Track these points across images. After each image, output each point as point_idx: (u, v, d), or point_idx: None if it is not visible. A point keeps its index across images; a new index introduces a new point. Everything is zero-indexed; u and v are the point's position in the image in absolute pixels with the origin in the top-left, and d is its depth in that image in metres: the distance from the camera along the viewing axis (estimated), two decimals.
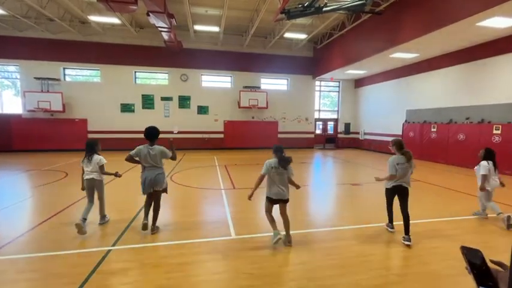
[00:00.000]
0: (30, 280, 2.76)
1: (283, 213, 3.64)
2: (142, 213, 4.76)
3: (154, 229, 3.96)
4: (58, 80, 13.86)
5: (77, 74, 14.87)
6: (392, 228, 4.05)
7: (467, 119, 10.33)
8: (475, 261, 0.79)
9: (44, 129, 13.73)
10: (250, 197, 3.51)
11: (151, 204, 4.03)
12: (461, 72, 10.67)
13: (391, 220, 4.08)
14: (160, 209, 4.16)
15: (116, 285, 2.68)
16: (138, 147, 3.90)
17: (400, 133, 13.54)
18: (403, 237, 3.65)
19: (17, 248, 3.46)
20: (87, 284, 2.68)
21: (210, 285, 2.70)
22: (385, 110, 15.04)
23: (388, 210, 4.05)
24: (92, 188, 4.14)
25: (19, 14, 11.29)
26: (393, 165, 3.79)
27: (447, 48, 10.55)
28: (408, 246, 3.54)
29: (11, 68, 14.11)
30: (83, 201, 5.15)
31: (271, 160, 3.61)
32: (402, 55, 11.34)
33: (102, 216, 4.32)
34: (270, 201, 3.60)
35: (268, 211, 3.65)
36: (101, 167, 4.12)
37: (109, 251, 3.38)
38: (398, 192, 3.83)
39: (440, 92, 11.60)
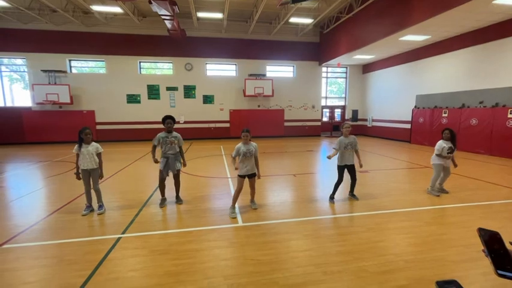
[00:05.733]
0: (44, 266, 2.86)
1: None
2: (150, 202, 4.87)
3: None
4: (65, 72, 13.95)
5: (83, 65, 14.91)
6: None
7: (480, 103, 9.97)
8: (492, 244, 0.74)
9: (54, 121, 13.96)
10: None
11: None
12: (474, 54, 10.22)
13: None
14: (168, 197, 4.75)
15: (126, 271, 2.75)
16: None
17: (410, 119, 13.23)
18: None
19: (31, 236, 3.58)
20: (98, 270, 2.76)
21: (218, 271, 2.74)
22: (394, 95, 14.65)
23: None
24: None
25: (22, 6, 11.27)
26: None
27: (461, 29, 10.07)
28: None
29: (19, 61, 14.25)
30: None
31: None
32: (413, 37, 10.90)
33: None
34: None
35: None
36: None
37: (119, 238, 3.46)
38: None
39: (452, 76, 11.18)
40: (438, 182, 5.22)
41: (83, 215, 4.21)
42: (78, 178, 4.29)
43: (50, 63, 13.71)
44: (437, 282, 0.78)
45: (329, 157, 4.76)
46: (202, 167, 8.02)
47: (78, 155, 4.25)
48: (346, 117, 17.96)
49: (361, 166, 4.83)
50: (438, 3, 8.12)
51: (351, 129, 4.68)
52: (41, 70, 13.55)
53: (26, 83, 14.29)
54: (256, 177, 4.32)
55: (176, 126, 16.78)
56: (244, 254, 3.06)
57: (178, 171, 4.67)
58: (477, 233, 0.79)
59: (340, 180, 4.77)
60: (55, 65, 13.78)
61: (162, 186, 4.63)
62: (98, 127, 14.53)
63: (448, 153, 4.92)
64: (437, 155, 5.06)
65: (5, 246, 3.30)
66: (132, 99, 14.83)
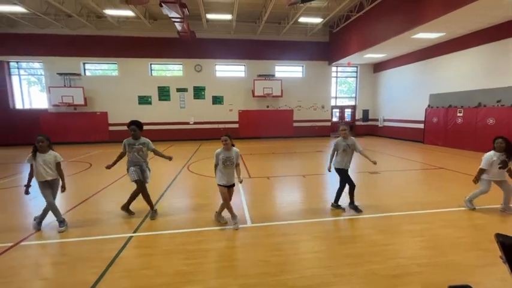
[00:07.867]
0: (60, 263, 2.95)
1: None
2: (162, 201, 4.93)
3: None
4: (79, 75, 14.38)
5: (96, 68, 15.32)
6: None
7: (498, 101, 9.62)
8: (511, 251, 0.72)
9: (69, 123, 14.41)
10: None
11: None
12: (491, 52, 9.86)
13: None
14: (179, 198, 4.62)
15: (138, 269, 2.81)
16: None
17: (423, 119, 12.91)
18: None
19: (47, 234, 3.71)
20: (111, 267, 2.83)
21: (228, 271, 2.75)
22: (406, 95, 14.33)
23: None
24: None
25: (39, 12, 11.69)
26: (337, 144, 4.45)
27: (476, 26, 9.74)
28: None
29: (36, 64, 14.80)
30: (107, 190, 5.40)
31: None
32: (426, 35, 10.64)
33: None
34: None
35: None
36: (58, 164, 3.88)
37: (131, 237, 3.53)
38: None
39: (468, 74, 10.83)
40: (502, 201, 4.31)
41: (60, 232, 3.68)
42: (27, 192, 3.66)
43: (65, 66, 14.16)
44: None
45: (329, 169, 4.45)
46: (210, 167, 8.05)
47: (31, 166, 3.71)
48: (356, 117, 17.70)
49: (374, 163, 4.32)
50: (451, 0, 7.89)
51: (347, 131, 4.28)
52: (57, 73, 14.01)
53: (42, 86, 14.82)
54: (234, 187, 3.89)
55: (186, 127, 16.94)
56: (253, 255, 3.07)
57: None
58: (495, 239, 0.77)
59: (345, 185, 4.44)
60: (70, 68, 14.22)
61: (146, 195, 4.25)
62: (111, 128, 14.89)
63: (499, 168, 4.09)
64: (481, 169, 4.26)
65: (23, 243, 3.43)
66: (144, 100, 15.12)
